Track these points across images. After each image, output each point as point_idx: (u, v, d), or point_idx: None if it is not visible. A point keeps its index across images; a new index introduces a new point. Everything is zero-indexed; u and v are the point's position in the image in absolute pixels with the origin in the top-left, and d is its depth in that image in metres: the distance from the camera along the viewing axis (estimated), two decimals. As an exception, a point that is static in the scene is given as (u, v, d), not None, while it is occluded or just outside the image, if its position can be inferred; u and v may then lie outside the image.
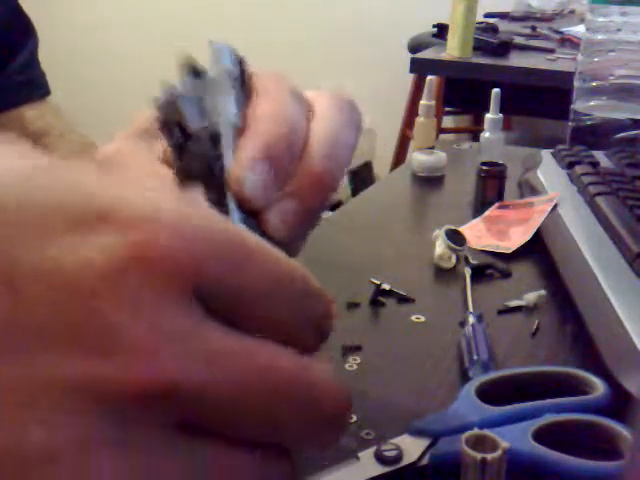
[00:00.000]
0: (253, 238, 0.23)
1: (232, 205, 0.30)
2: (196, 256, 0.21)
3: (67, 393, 0.20)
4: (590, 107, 0.89)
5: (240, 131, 0.32)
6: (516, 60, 1.89)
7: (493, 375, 0.44)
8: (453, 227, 0.64)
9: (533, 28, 2.24)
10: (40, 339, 0.20)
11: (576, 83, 0.89)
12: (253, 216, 0.31)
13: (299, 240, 0.34)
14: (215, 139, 0.31)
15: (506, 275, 0.62)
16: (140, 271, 0.20)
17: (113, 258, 0.20)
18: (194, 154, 0.31)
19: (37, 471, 0.19)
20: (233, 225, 0.23)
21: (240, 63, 0.34)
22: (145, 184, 0.23)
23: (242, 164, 0.30)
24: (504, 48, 1.91)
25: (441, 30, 2.12)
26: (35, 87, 0.65)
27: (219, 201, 0.30)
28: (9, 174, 0.21)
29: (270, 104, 0.32)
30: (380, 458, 0.38)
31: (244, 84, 0.34)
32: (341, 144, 0.33)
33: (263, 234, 0.31)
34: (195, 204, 0.23)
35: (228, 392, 0.21)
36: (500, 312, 0.56)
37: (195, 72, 0.33)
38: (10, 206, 0.21)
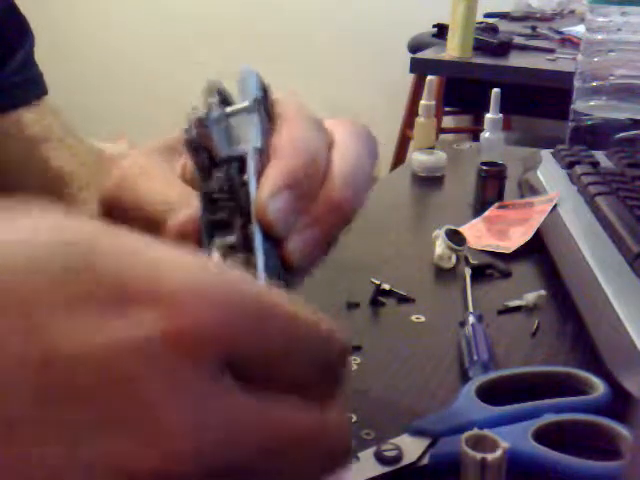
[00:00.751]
0: (277, 298, 0.23)
1: (256, 230, 0.31)
2: (230, 329, 0.21)
3: (108, 475, 0.20)
4: (590, 107, 0.89)
5: (264, 158, 0.33)
6: (516, 60, 1.89)
7: (493, 375, 0.44)
8: (453, 227, 0.64)
9: (533, 28, 2.24)
10: (78, 423, 0.20)
11: (576, 83, 0.89)
12: (274, 241, 0.32)
13: (315, 265, 0.35)
14: (242, 165, 0.32)
15: (506, 275, 0.62)
16: (175, 349, 0.21)
17: (148, 337, 0.20)
18: (221, 179, 0.32)
19: None
20: (256, 289, 0.23)
21: (265, 90, 0.35)
22: (171, 246, 0.23)
23: (267, 192, 0.31)
24: (504, 48, 1.91)
25: (441, 30, 2.12)
26: (32, 87, 0.65)
27: (243, 226, 0.31)
28: (40, 246, 0.21)
29: (292, 132, 0.33)
30: (380, 458, 0.38)
31: (267, 111, 0.35)
32: (360, 172, 0.35)
33: (282, 260, 0.32)
34: (223, 268, 0.23)
35: (253, 462, 0.22)
36: (500, 312, 0.56)
37: (222, 97, 0.34)
38: (42, 281, 0.20)
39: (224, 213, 0.32)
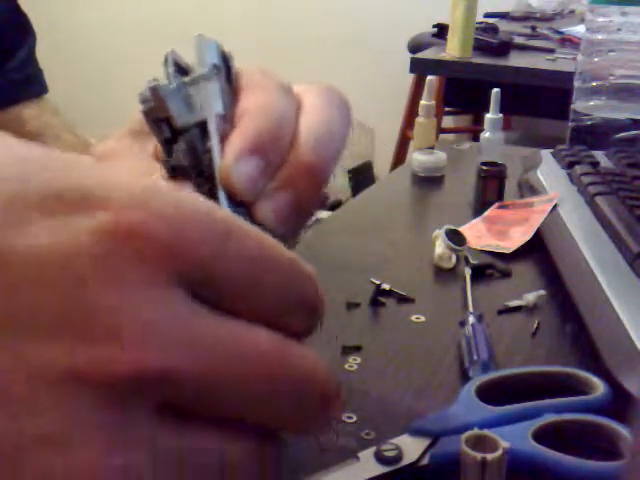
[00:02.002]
0: (238, 221, 0.23)
1: (222, 198, 0.30)
2: (183, 240, 0.21)
3: (56, 378, 0.20)
4: (590, 107, 0.89)
5: (228, 125, 0.32)
6: (516, 60, 1.89)
7: (493, 375, 0.44)
8: (453, 227, 0.64)
9: (533, 28, 2.24)
10: (28, 323, 0.20)
11: (576, 83, 0.89)
12: (245, 208, 0.31)
13: (293, 233, 0.34)
14: (203, 133, 0.31)
15: (506, 275, 0.62)
16: (128, 254, 0.20)
17: (102, 240, 0.20)
18: (183, 149, 0.31)
19: (31, 455, 0.20)
20: (219, 209, 0.23)
21: (226, 58, 0.35)
22: (134, 171, 0.24)
23: (231, 157, 0.30)
24: (504, 48, 1.91)
25: (441, 30, 2.12)
26: (33, 85, 0.65)
27: (210, 194, 0.30)
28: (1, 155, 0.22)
29: (257, 97, 0.33)
30: (380, 458, 0.38)
31: (230, 79, 0.34)
32: (330, 135, 0.33)
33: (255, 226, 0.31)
34: (182, 189, 0.23)
35: (214, 377, 0.21)
36: (500, 312, 0.56)
37: (180, 67, 0.33)
38: None
39: (189, 183, 0.31)
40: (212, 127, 0.31)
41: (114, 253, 0.20)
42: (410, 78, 2.59)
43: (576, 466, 0.37)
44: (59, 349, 0.20)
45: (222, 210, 0.23)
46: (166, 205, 0.22)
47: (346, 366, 0.48)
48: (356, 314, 0.56)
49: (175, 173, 0.32)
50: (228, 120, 0.32)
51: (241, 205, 0.31)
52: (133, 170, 0.36)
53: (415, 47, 2.42)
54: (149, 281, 0.21)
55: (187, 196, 0.23)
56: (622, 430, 0.38)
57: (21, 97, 0.62)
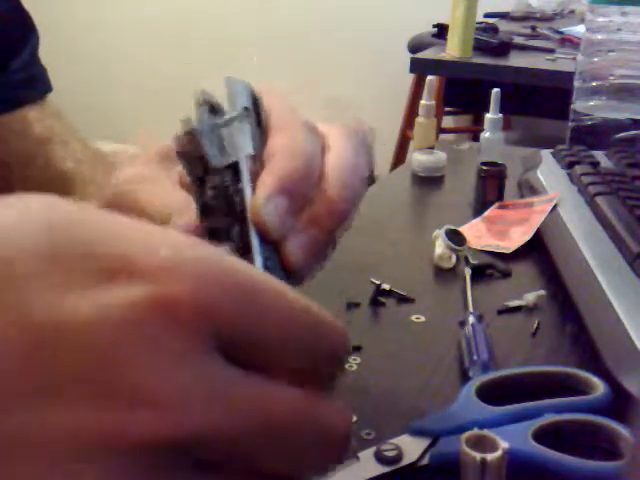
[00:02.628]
0: (269, 282, 0.23)
1: (253, 234, 0.32)
2: (216, 304, 0.21)
3: (89, 446, 0.20)
4: (590, 107, 0.89)
5: (258, 165, 0.33)
6: (516, 60, 1.89)
7: (493, 375, 0.44)
8: (453, 227, 0.64)
9: (533, 28, 2.24)
10: (56, 391, 0.20)
11: (576, 83, 0.89)
12: (274, 245, 0.32)
13: (317, 266, 0.36)
14: (235, 173, 0.33)
15: (506, 275, 0.62)
16: (160, 320, 0.21)
17: (133, 307, 0.20)
18: (215, 188, 0.33)
19: None
20: (251, 270, 0.24)
21: (255, 99, 0.36)
22: (163, 229, 0.23)
23: (261, 197, 0.32)
24: (504, 48, 1.91)
25: (441, 30, 2.12)
26: (37, 84, 0.65)
27: (240, 234, 0.32)
28: (29, 224, 0.21)
29: (286, 139, 0.34)
30: (380, 458, 0.38)
31: (260, 119, 0.36)
32: (355, 173, 0.35)
33: (283, 263, 0.32)
34: (213, 250, 0.23)
35: (247, 436, 0.22)
36: (500, 312, 0.56)
37: (212, 107, 0.34)
38: (29, 257, 0.21)
39: (221, 221, 0.32)
40: (243, 168, 0.33)
41: (144, 320, 0.20)
42: (410, 78, 2.59)
43: (576, 466, 0.37)
44: (88, 416, 0.20)
45: (250, 270, 0.24)
46: (197, 270, 0.22)
47: (346, 366, 0.48)
48: (356, 314, 0.56)
49: (205, 211, 0.33)
50: (258, 160, 0.34)
51: (270, 243, 0.32)
52: (162, 199, 0.37)
53: (415, 47, 2.42)
54: (183, 345, 0.21)
55: (218, 257, 0.23)
56: (622, 430, 0.38)
57: (26, 97, 0.62)
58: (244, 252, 0.31)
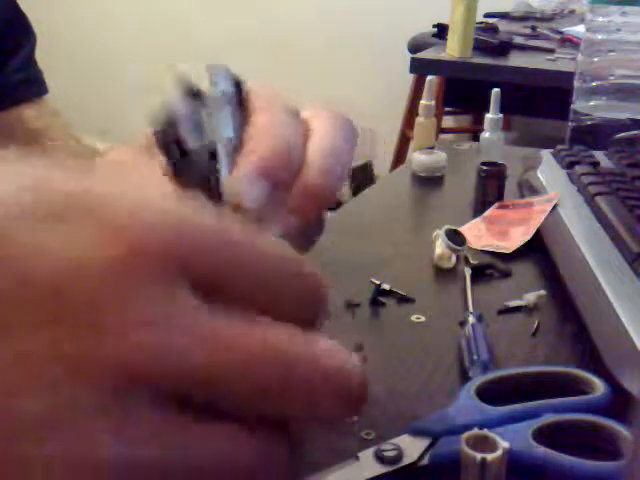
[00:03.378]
0: (244, 226, 0.24)
1: None
2: (185, 241, 0.22)
3: (57, 365, 0.20)
4: (590, 107, 0.89)
5: (237, 149, 0.33)
6: (516, 60, 1.89)
7: (493, 375, 0.44)
8: (453, 227, 0.64)
9: (533, 28, 2.24)
10: (36, 316, 0.20)
11: (576, 83, 0.89)
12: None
13: (302, 244, 0.35)
14: (212, 156, 0.32)
15: (506, 275, 0.62)
16: (127, 257, 0.21)
17: (99, 244, 0.21)
18: (191, 171, 0.32)
19: (28, 436, 0.20)
20: (224, 216, 0.24)
21: (238, 83, 0.36)
22: (138, 182, 0.24)
23: (238, 178, 0.31)
24: (504, 48, 1.91)
25: (441, 30, 2.12)
26: (33, 86, 0.65)
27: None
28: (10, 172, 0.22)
29: (266, 121, 0.34)
30: (380, 458, 0.38)
31: (242, 105, 0.35)
32: (337, 160, 0.34)
33: None
34: (183, 199, 0.24)
35: (226, 372, 0.21)
36: (500, 312, 0.56)
37: (191, 92, 0.34)
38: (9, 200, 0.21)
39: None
40: (221, 150, 0.32)
41: (115, 256, 0.21)
42: (410, 78, 2.59)
43: (576, 466, 0.37)
44: (62, 339, 0.20)
45: (219, 216, 0.24)
46: (165, 213, 0.22)
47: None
48: (356, 314, 0.56)
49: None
50: (237, 144, 0.33)
51: None
52: (145, 183, 0.36)
53: (415, 47, 2.42)
54: (151, 279, 0.21)
55: (188, 204, 0.23)
56: (622, 430, 0.38)
57: (22, 97, 0.62)
58: None
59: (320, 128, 0.35)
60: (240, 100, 0.35)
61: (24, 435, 0.20)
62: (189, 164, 0.32)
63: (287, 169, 0.33)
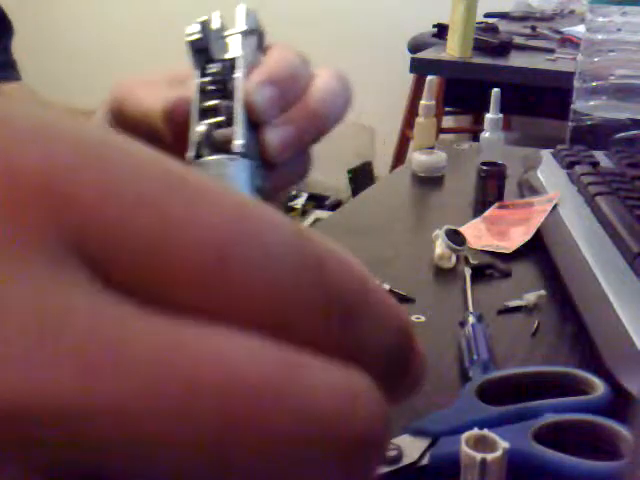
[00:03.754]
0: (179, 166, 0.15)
1: (241, 116, 0.35)
2: (76, 184, 0.13)
3: None
4: (590, 107, 0.89)
5: (254, 68, 0.38)
6: (516, 60, 1.89)
7: (493, 375, 0.44)
8: (453, 227, 0.64)
9: (533, 28, 2.24)
10: None
11: (576, 83, 0.89)
12: (255, 132, 0.36)
13: (291, 168, 0.38)
14: (233, 66, 0.38)
15: (506, 275, 0.62)
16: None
17: None
18: (214, 74, 0.38)
19: None
20: (143, 148, 0.14)
21: (261, 31, 0.42)
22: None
23: (255, 82, 0.36)
24: (504, 48, 1.91)
25: (441, 30, 2.12)
26: (9, 71, 0.66)
27: (228, 109, 0.35)
28: None
29: (279, 52, 0.40)
30: (380, 458, 0.38)
31: (260, 43, 0.42)
32: (335, 98, 0.39)
33: (260, 150, 0.36)
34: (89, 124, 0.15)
35: (138, 413, 0.12)
36: (500, 312, 0.56)
37: (220, 22, 0.40)
38: None
39: (214, 101, 0.36)
40: (242, 62, 0.38)
41: None
42: (410, 78, 2.59)
43: (576, 466, 0.37)
44: None
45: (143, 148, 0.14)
46: (56, 139, 0.13)
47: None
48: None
49: (205, 95, 0.37)
50: (254, 65, 0.38)
51: (254, 125, 0.36)
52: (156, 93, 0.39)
53: (415, 47, 2.42)
54: (24, 257, 0.12)
55: (92, 127, 0.14)
56: (622, 430, 0.38)
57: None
58: (227, 124, 0.35)
59: (324, 74, 0.41)
60: (260, 39, 0.42)
61: None
62: (212, 69, 0.38)
63: (293, 84, 0.37)
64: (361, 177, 3.00)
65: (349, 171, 3.02)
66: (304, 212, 2.70)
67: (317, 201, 2.88)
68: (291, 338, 0.14)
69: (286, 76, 0.37)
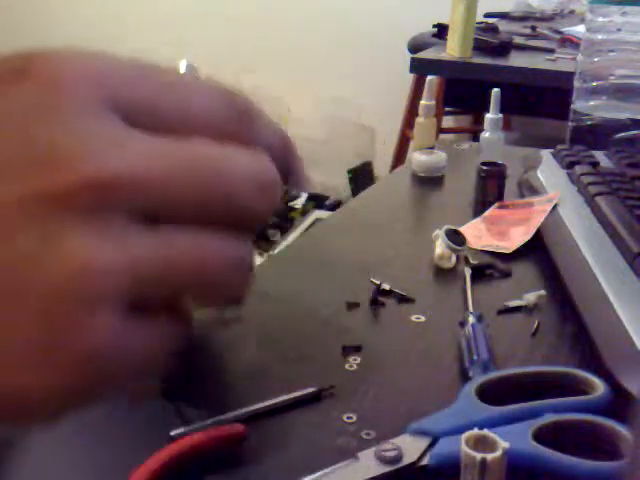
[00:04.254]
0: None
1: None
2: (108, 71, 0.25)
3: (23, 207, 0.22)
4: (590, 107, 0.89)
5: None
6: (516, 60, 1.89)
7: (493, 375, 0.44)
8: (453, 227, 0.64)
9: (533, 28, 2.24)
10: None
11: (576, 83, 0.89)
12: None
13: None
14: None
15: (506, 275, 0.62)
16: (62, 95, 0.23)
17: (33, 86, 0.23)
18: None
19: (12, 273, 0.22)
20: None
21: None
22: None
23: None
24: (504, 48, 1.91)
25: (441, 30, 2.12)
26: None
27: None
28: None
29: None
30: (380, 458, 0.38)
31: None
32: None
33: None
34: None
35: (163, 181, 0.24)
36: (500, 312, 0.56)
37: None
38: None
39: None
40: None
41: (49, 96, 0.23)
42: (410, 78, 2.59)
43: (576, 466, 0.37)
44: (21, 182, 0.22)
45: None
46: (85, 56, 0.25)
47: (346, 366, 0.48)
48: (356, 314, 0.56)
49: None
50: None
51: None
52: None
53: (415, 47, 2.42)
54: (83, 110, 0.23)
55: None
56: (622, 430, 0.38)
57: None
58: None
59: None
60: None
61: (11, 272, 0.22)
62: None
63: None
64: (361, 177, 3.00)
65: (349, 171, 3.02)
66: (304, 212, 2.70)
67: (317, 201, 2.88)
68: (218, 135, 0.26)
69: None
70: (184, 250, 0.24)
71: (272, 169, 0.26)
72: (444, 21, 2.03)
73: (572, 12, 2.56)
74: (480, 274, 0.61)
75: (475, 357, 0.47)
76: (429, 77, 0.88)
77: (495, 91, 0.83)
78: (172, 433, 0.40)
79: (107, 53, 0.26)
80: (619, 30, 0.87)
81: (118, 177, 0.23)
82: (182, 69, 0.41)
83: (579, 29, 1.98)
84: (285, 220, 2.54)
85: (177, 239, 0.24)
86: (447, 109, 2.60)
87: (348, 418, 0.43)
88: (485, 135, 0.84)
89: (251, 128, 0.27)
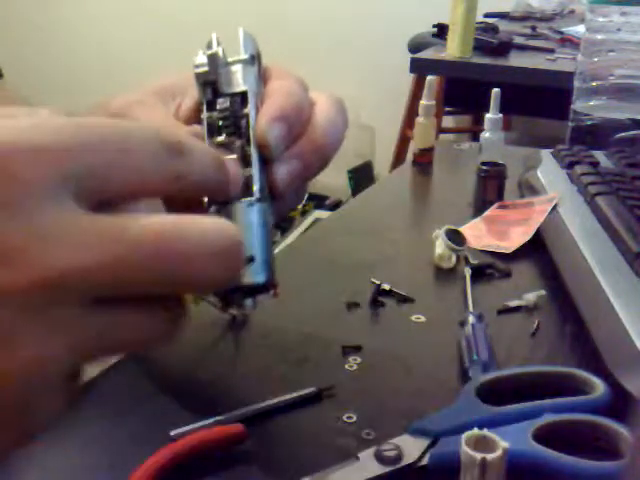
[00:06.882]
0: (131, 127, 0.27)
1: (254, 152, 0.37)
2: (75, 147, 0.25)
3: None
4: (590, 107, 0.89)
5: (259, 102, 0.40)
6: (516, 60, 1.89)
7: (493, 375, 0.44)
8: (453, 227, 0.64)
9: (533, 28, 2.24)
10: None
11: (576, 83, 0.89)
12: (264, 166, 0.38)
13: (293, 197, 0.41)
14: (242, 102, 0.39)
15: (506, 275, 0.62)
16: (11, 188, 0.23)
17: None
18: (224, 110, 0.39)
19: None
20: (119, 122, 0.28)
21: (258, 53, 0.43)
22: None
23: (266, 121, 0.38)
24: (504, 48, 1.91)
25: (441, 30, 2.12)
26: None
27: (242, 149, 0.37)
28: None
29: (282, 83, 0.41)
30: (380, 458, 0.38)
31: (259, 69, 0.42)
32: (336, 127, 0.41)
33: (269, 184, 0.38)
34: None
35: (112, 268, 0.24)
36: (500, 312, 0.56)
37: (223, 53, 0.41)
38: None
39: (225, 138, 0.38)
40: (251, 97, 0.39)
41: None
42: (410, 78, 2.59)
43: (576, 466, 0.37)
44: None
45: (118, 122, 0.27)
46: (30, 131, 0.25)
47: (346, 366, 0.48)
48: (356, 314, 0.56)
49: (212, 131, 0.38)
50: (258, 100, 0.40)
51: (265, 161, 0.38)
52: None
53: (415, 47, 2.42)
54: (30, 201, 0.24)
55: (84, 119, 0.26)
56: (622, 430, 0.38)
57: None
58: (243, 166, 0.36)
59: (322, 101, 0.42)
60: (259, 64, 0.42)
61: None
62: (222, 104, 0.39)
63: (298, 118, 0.39)
64: (361, 177, 3.00)
65: (349, 171, 3.02)
66: (304, 212, 2.70)
67: (317, 201, 2.88)
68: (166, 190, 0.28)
69: (293, 111, 0.39)
70: (127, 329, 0.26)
71: (230, 233, 0.27)
72: (444, 21, 2.03)
73: (572, 12, 2.56)
74: (480, 274, 0.61)
75: (475, 357, 0.47)
76: (429, 77, 0.88)
77: (495, 91, 0.83)
78: (172, 433, 0.40)
79: (52, 121, 0.25)
80: (619, 30, 0.87)
81: (65, 273, 0.23)
82: (214, 44, 0.43)
83: (579, 29, 1.98)
84: (285, 220, 2.54)
85: (122, 320, 0.26)
86: (447, 109, 2.60)
87: (348, 418, 0.43)
88: (485, 135, 0.83)
89: (184, 163, 0.28)
